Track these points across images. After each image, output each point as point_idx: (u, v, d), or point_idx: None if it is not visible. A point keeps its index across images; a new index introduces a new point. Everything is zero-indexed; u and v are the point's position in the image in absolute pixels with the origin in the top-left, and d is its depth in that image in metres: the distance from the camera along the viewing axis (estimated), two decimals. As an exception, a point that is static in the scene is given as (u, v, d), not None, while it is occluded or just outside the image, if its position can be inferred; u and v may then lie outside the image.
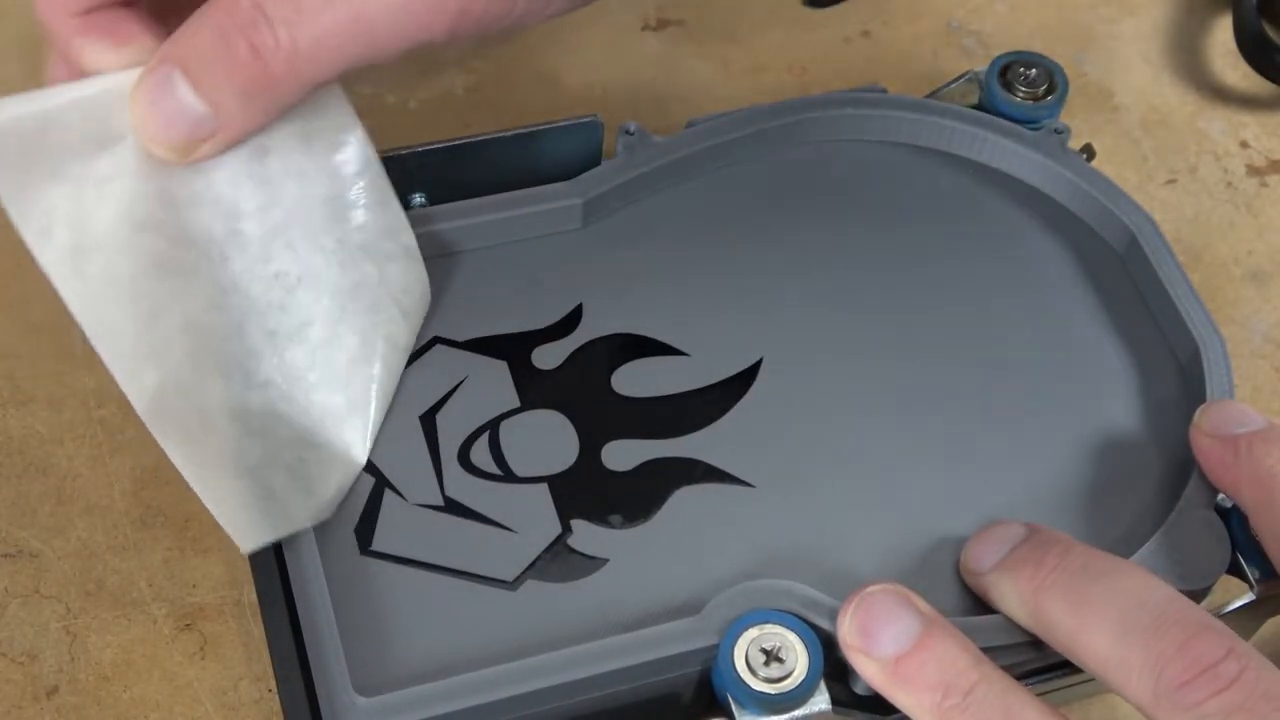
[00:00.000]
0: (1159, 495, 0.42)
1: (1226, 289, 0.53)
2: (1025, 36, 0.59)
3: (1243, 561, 0.41)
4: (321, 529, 0.40)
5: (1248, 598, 0.41)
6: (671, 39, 0.58)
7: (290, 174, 0.40)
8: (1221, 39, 0.59)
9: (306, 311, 0.41)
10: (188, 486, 0.46)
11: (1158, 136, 0.56)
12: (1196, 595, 0.40)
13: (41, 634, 0.44)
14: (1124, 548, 0.41)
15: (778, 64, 0.57)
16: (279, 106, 0.38)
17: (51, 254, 0.38)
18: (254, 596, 0.44)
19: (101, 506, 0.46)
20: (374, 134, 0.55)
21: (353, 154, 0.41)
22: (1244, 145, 0.56)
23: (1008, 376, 0.44)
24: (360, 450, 0.41)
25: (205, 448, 0.39)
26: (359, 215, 0.41)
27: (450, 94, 0.55)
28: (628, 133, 0.46)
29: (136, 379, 0.38)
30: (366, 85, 0.55)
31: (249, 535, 0.39)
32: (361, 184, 0.41)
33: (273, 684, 0.43)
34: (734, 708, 0.38)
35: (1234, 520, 0.41)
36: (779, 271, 0.46)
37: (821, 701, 0.38)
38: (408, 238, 0.42)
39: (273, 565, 0.39)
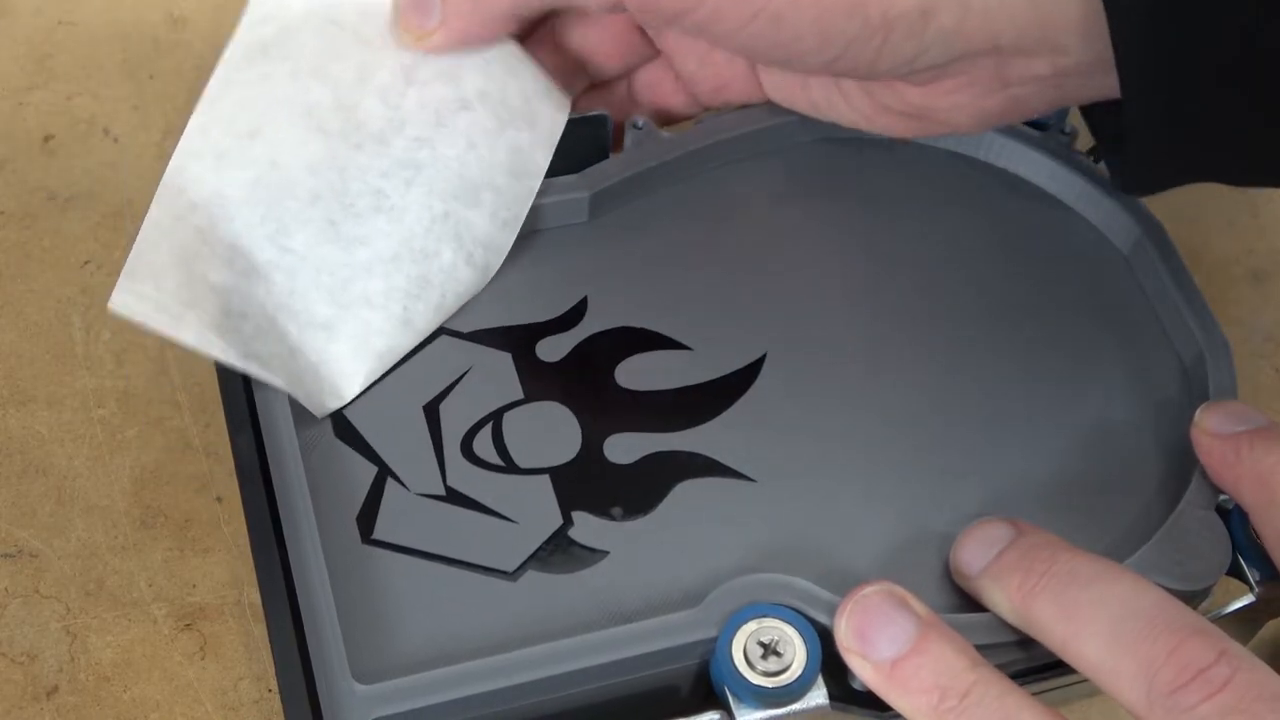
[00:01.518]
0: (1160, 495, 0.42)
1: (1226, 289, 0.53)
2: (1025, 36, 0.59)
3: (1243, 563, 0.40)
4: (323, 517, 0.40)
5: (1247, 599, 0.41)
6: (671, 39, 0.58)
7: (485, 99, 0.44)
8: (1221, 39, 0.59)
9: (412, 196, 0.43)
10: (187, 486, 0.46)
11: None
12: (1197, 596, 0.40)
13: (41, 634, 0.44)
14: (1124, 548, 0.41)
15: (778, 64, 0.57)
16: (492, 22, 0.44)
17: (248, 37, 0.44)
18: (254, 597, 0.44)
19: (101, 506, 0.46)
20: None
21: (541, 111, 0.45)
22: (1244, 145, 0.56)
23: (1011, 375, 0.44)
24: (357, 361, 0.42)
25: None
26: (513, 156, 0.44)
27: (450, 94, 0.55)
28: (636, 127, 0.47)
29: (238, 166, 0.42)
30: (366, 85, 0.55)
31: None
32: (528, 137, 0.45)
33: (273, 684, 0.43)
34: (732, 701, 0.38)
35: (1234, 521, 0.41)
36: (784, 268, 0.46)
37: (819, 696, 0.38)
38: (521, 207, 0.44)
39: (274, 553, 0.39)
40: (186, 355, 0.48)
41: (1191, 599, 0.40)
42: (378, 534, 0.40)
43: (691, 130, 0.47)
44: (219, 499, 0.46)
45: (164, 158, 0.53)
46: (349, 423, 0.42)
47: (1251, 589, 0.41)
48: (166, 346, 0.49)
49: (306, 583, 0.38)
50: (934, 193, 0.48)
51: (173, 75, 0.55)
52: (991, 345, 0.45)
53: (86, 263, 0.51)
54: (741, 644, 0.38)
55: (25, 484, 0.46)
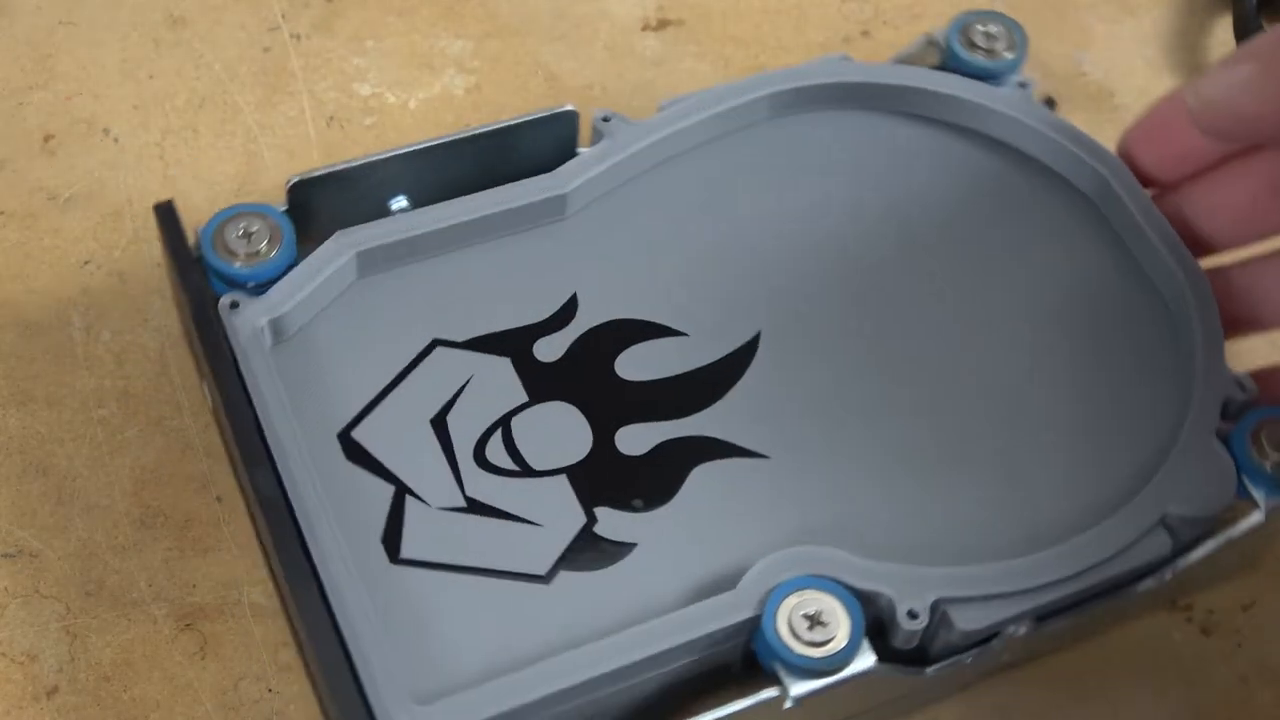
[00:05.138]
0: (1160, 429, 0.43)
1: (1226, 289, 0.53)
2: (1025, 36, 0.59)
3: (1249, 484, 0.42)
4: (349, 542, 0.39)
5: (1256, 518, 0.42)
6: (671, 39, 0.58)
7: None
8: (1221, 39, 0.59)
9: None
10: (187, 486, 0.46)
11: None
12: (1209, 523, 0.42)
13: (41, 634, 0.44)
14: (1132, 484, 0.42)
15: (778, 63, 0.57)
16: None
17: None
18: (255, 596, 0.44)
19: (101, 506, 0.46)
20: (374, 133, 0.55)
21: None
22: (1244, 145, 0.56)
23: (996, 327, 0.45)
24: None
25: None
26: None
27: (450, 94, 0.55)
28: (604, 120, 0.47)
29: None
30: (366, 85, 0.55)
31: None
32: None
33: (273, 684, 0.43)
34: (783, 675, 0.38)
35: (1236, 445, 0.42)
36: (765, 243, 0.47)
37: (867, 659, 0.39)
38: None
39: (312, 585, 0.38)
40: (187, 356, 0.48)
41: (1204, 526, 0.42)
42: (405, 553, 0.40)
43: (658, 117, 0.47)
44: (219, 499, 0.46)
45: (164, 158, 0.53)
46: (359, 445, 0.42)
47: (1260, 507, 0.42)
48: (167, 347, 0.49)
49: (347, 611, 0.38)
50: (901, 157, 0.49)
51: (173, 75, 0.55)
52: (975, 299, 0.46)
53: (86, 263, 0.51)
54: (786, 619, 0.38)
55: (25, 484, 0.46)
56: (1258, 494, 0.42)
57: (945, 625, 0.39)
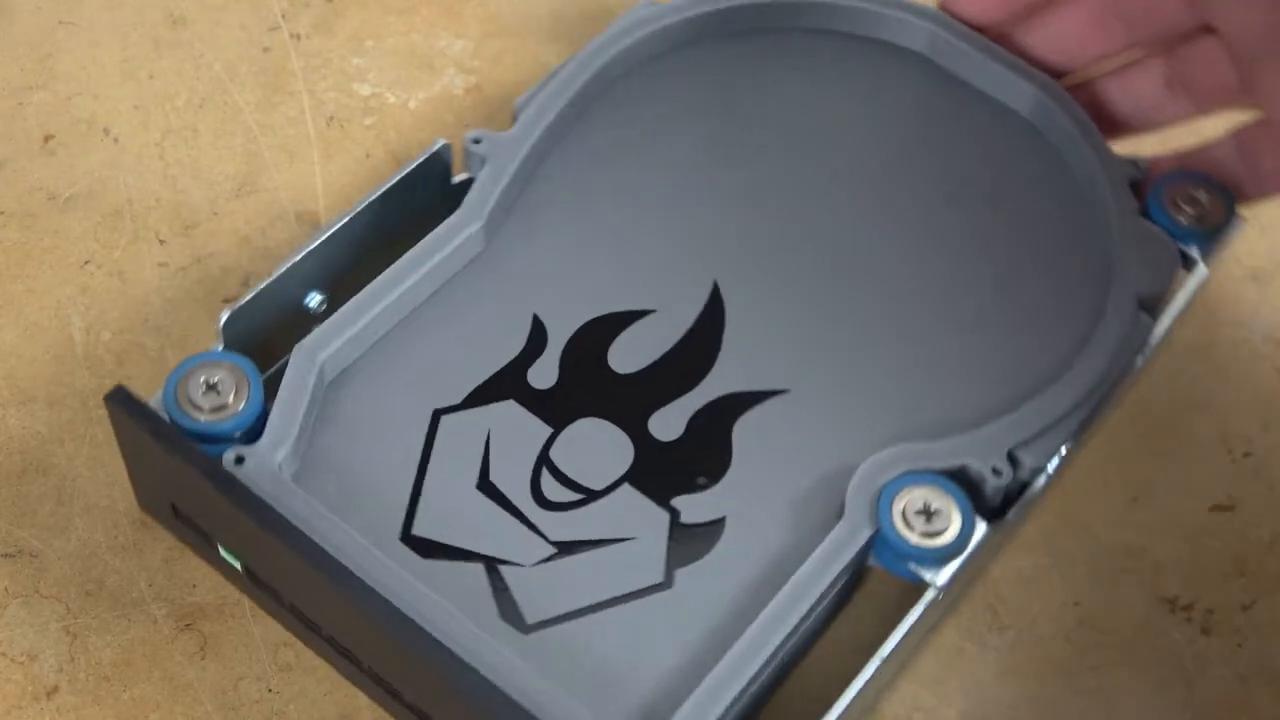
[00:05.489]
0: (1095, 231, 0.47)
1: (1226, 289, 0.53)
2: (1025, 36, 0.59)
3: (1181, 245, 0.47)
4: (479, 628, 0.38)
5: (1201, 271, 0.47)
6: (671, 39, 0.58)
7: None
8: (1221, 39, 0.59)
9: None
10: (188, 486, 0.46)
11: (1158, 135, 0.56)
12: (1166, 292, 0.46)
13: (41, 634, 0.44)
14: (1095, 292, 0.46)
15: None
16: None
17: None
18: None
19: (101, 506, 0.46)
20: (375, 133, 0.55)
21: None
22: (1244, 145, 0.56)
23: (914, 208, 0.48)
24: None
25: None
26: None
27: (450, 94, 0.55)
28: (475, 141, 0.46)
29: None
30: (366, 85, 0.55)
31: None
32: None
33: (272, 684, 0.43)
34: (923, 572, 0.40)
35: (1156, 216, 0.47)
36: (684, 196, 0.47)
37: (982, 526, 0.41)
38: None
39: (480, 680, 0.37)
40: (187, 356, 0.48)
41: (1164, 295, 0.46)
42: (530, 619, 0.40)
43: (524, 119, 0.47)
44: (219, 499, 0.46)
45: (164, 158, 0.53)
46: (427, 540, 0.41)
47: (1198, 260, 0.47)
48: (166, 347, 0.49)
49: (531, 695, 0.37)
50: (830, 78, 0.50)
51: (173, 75, 0.55)
52: (891, 189, 0.48)
53: (86, 263, 0.51)
54: (903, 522, 0.40)
55: (25, 484, 0.46)
56: (1193, 251, 0.47)
57: (1019, 469, 0.42)
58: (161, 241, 0.51)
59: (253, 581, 0.42)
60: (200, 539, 0.43)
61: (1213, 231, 0.47)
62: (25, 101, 0.54)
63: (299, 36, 0.57)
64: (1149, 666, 0.45)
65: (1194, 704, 0.44)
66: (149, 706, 0.43)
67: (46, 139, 0.54)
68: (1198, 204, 0.47)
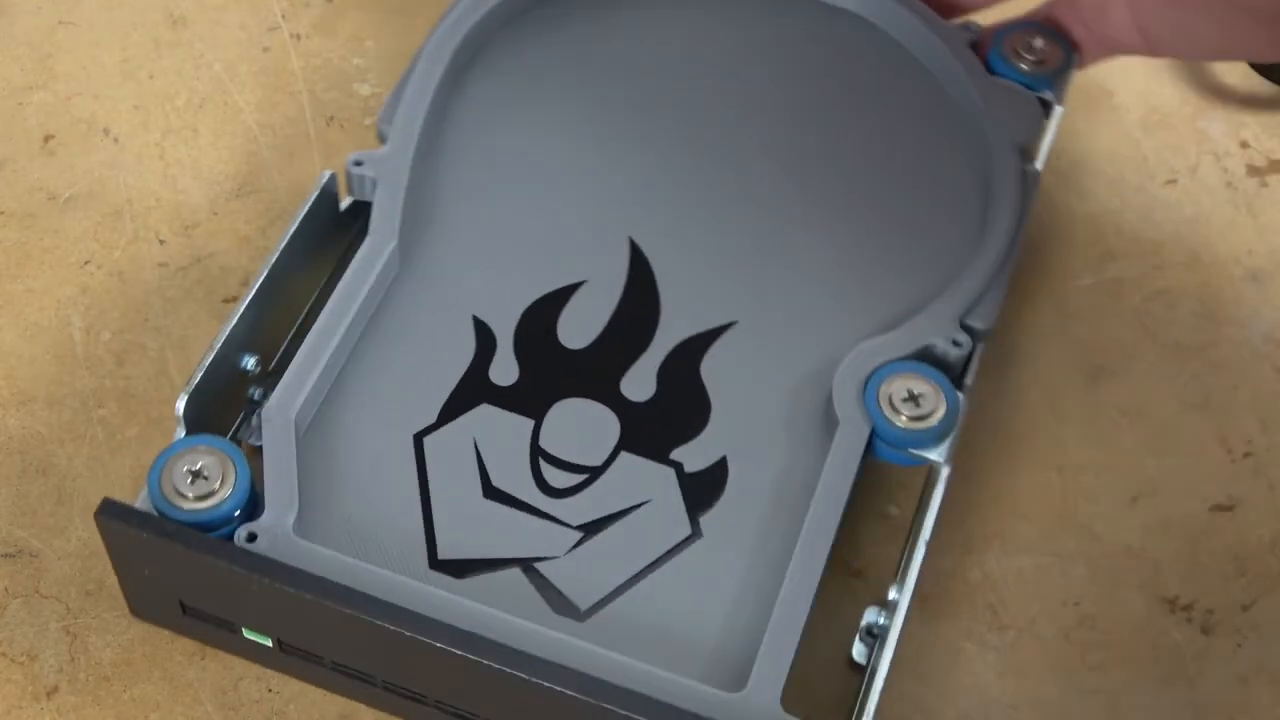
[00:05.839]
0: (952, 102, 0.50)
1: (1226, 289, 0.53)
2: (1025, 36, 0.59)
3: (1036, 91, 0.49)
4: (543, 626, 0.39)
5: (1059, 110, 0.50)
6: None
7: None
8: (1221, 39, 0.59)
9: None
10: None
11: (1158, 136, 0.56)
12: (1035, 142, 0.48)
13: (41, 634, 0.44)
14: (977, 151, 0.48)
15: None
16: None
17: None
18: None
19: (101, 506, 0.46)
20: (374, 133, 0.55)
21: None
22: (1244, 145, 0.56)
23: (830, 140, 0.49)
24: None
25: None
26: None
27: (450, 94, 0.55)
28: (357, 164, 0.46)
29: None
30: (366, 85, 0.55)
31: None
32: None
33: (272, 684, 0.43)
34: (925, 454, 0.42)
35: (1001, 70, 0.50)
36: (580, 160, 0.48)
37: (960, 395, 0.43)
38: None
39: (588, 680, 0.38)
40: (186, 356, 0.48)
41: (1038, 140, 0.49)
42: (583, 605, 0.40)
43: (396, 129, 0.47)
44: (219, 499, 0.46)
45: (164, 158, 0.53)
46: (456, 560, 0.41)
47: (1052, 100, 0.50)
48: (166, 347, 0.49)
49: (632, 673, 0.38)
50: (679, 15, 0.51)
51: (173, 75, 0.55)
52: (809, 131, 0.49)
53: (86, 263, 0.51)
54: (892, 413, 0.42)
55: (25, 484, 0.46)
56: (1049, 94, 0.50)
57: (975, 335, 0.44)
58: (161, 241, 0.51)
59: (285, 654, 0.41)
60: (217, 629, 0.42)
61: (1057, 73, 0.50)
62: (25, 101, 0.54)
63: (299, 36, 0.57)
64: (1149, 666, 0.45)
65: (1194, 704, 0.44)
66: (149, 706, 0.43)
67: (46, 139, 0.54)
68: (1035, 50, 0.50)
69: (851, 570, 0.45)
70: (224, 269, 0.50)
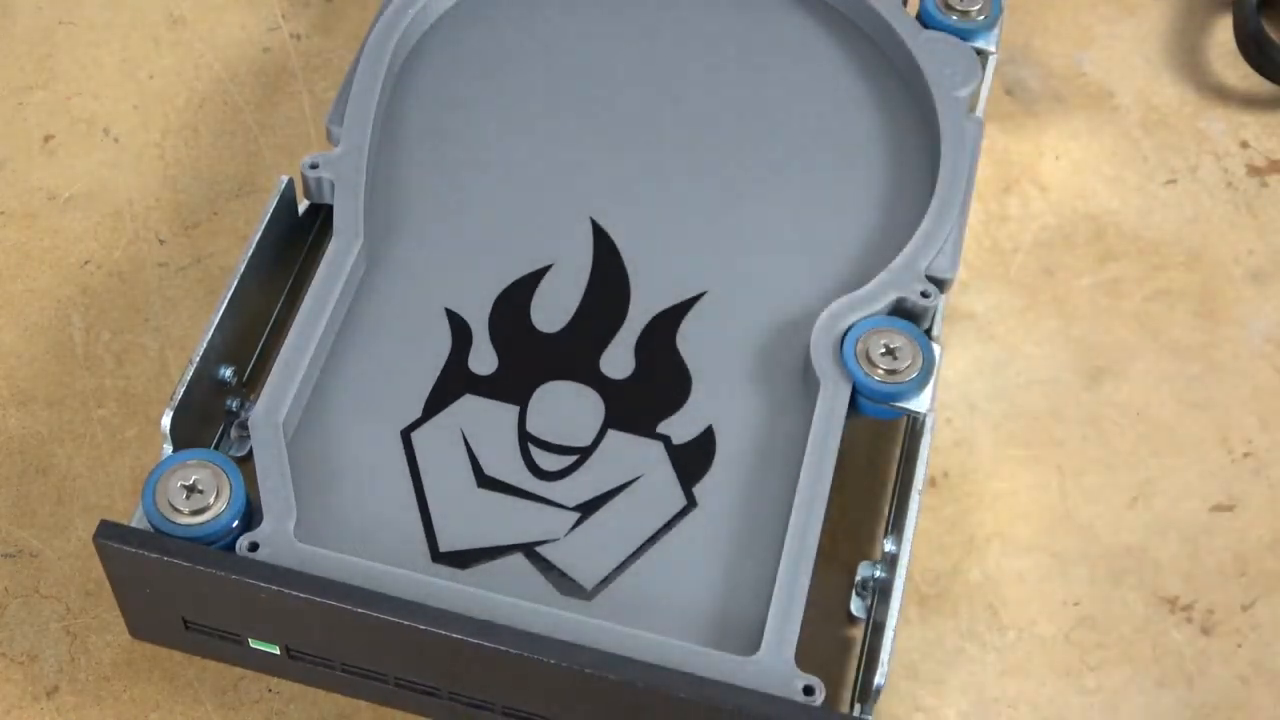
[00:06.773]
0: (890, 56, 0.51)
1: (1226, 289, 0.53)
2: (1025, 36, 0.59)
3: (968, 41, 0.50)
4: (553, 608, 0.39)
5: (993, 60, 0.50)
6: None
7: None
8: (1221, 39, 0.59)
9: None
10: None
11: (1158, 136, 0.56)
12: (976, 90, 0.49)
13: (41, 634, 0.44)
14: (921, 105, 0.49)
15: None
16: None
17: None
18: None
19: (101, 506, 0.46)
20: (374, 134, 0.54)
21: None
22: (1244, 145, 0.56)
23: (771, 108, 0.50)
24: None
25: None
26: None
27: (450, 94, 0.55)
28: (313, 166, 0.45)
29: None
30: (366, 85, 0.55)
31: None
32: None
33: (272, 684, 0.43)
34: (909, 405, 0.43)
35: (936, 22, 0.50)
36: (533, 143, 0.48)
37: (937, 346, 0.44)
38: None
39: (600, 656, 0.38)
40: (186, 357, 0.48)
41: (978, 88, 0.50)
42: (588, 584, 0.40)
43: (348, 125, 0.46)
44: (219, 499, 0.46)
45: (164, 158, 0.53)
46: (459, 551, 0.41)
47: (992, 51, 0.50)
48: (166, 347, 0.49)
49: (624, 648, 0.38)
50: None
51: (173, 75, 0.55)
52: (749, 99, 0.50)
53: (86, 263, 0.51)
54: (870, 367, 0.43)
55: (25, 484, 0.46)
56: (982, 41, 0.51)
57: (941, 284, 0.45)
58: (161, 241, 0.51)
59: (293, 660, 0.41)
60: (221, 642, 0.42)
61: (989, 21, 0.51)
62: (25, 101, 0.54)
63: (299, 36, 0.57)
64: (1149, 666, 0.45)
65: (1194, 704, 0.44)
66: (149, 706, 0.43)
67: (46, 139, 0.54)
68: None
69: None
70: (224, 269, 0.50)
